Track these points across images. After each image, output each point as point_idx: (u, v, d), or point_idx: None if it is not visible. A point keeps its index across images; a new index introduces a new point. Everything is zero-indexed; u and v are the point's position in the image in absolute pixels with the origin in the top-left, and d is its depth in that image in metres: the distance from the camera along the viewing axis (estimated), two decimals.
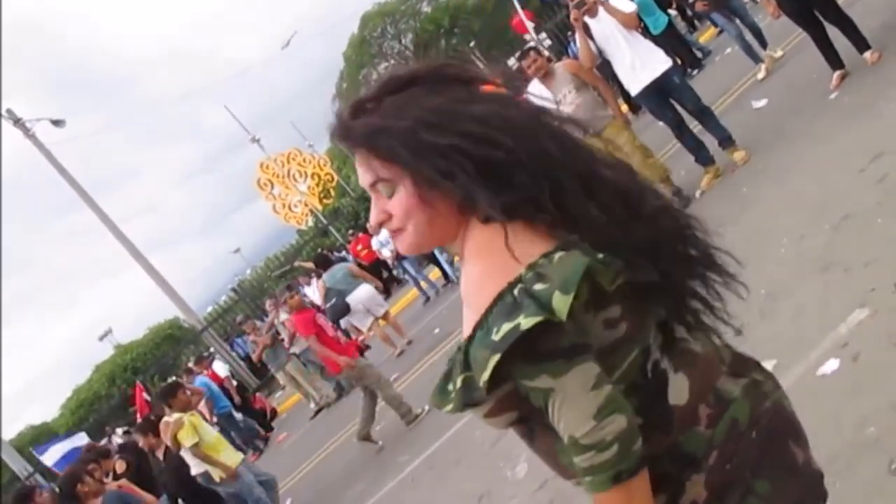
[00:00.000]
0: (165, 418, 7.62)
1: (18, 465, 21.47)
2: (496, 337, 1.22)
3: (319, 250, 23.11)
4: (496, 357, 1.21)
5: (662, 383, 1.33)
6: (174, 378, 17.34)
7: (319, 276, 13.31)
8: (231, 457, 7.53)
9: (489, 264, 1.30)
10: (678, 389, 1.33)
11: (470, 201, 1.32)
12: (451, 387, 1.31)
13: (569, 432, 1.25)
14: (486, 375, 1.22)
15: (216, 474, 7.41)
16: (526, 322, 1.19)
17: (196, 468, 7.61)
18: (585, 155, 1.41)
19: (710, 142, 7.48)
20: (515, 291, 1.23)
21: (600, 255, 1.25)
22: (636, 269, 1.31)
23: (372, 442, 8.17)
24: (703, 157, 7.45)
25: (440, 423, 7.11)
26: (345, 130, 1.41)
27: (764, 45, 10.14)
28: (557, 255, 1.25)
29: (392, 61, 52.43)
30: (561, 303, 1.19)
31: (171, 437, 7.38)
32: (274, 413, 17.23)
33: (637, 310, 1.33)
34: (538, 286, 1.21)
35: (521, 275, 1.24)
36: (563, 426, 1.25)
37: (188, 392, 8.19)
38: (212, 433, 7.72)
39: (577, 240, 1.28)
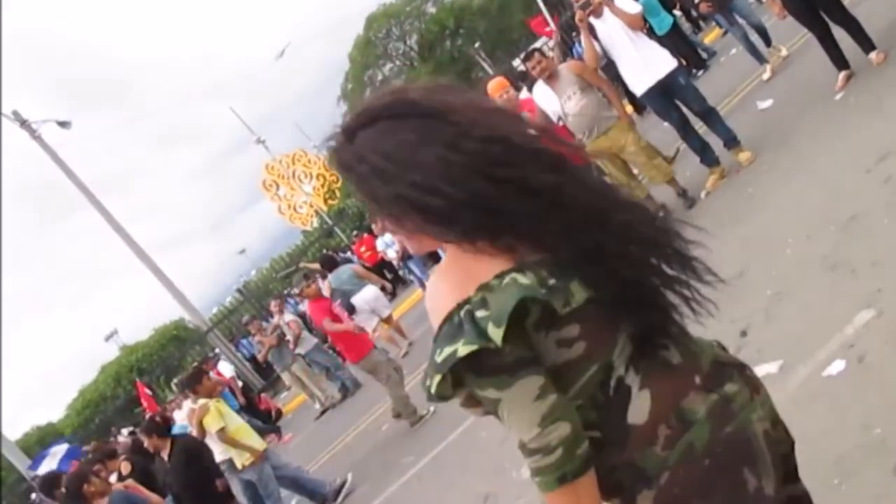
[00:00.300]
0: (190, 405, 7.71)
1: (24, 466, 21.50)
2: (438, 359, 1.35)
3: (325, 251, 23.15)
4: (438, 377, 1.34)
5: (624, 401, 1.40)
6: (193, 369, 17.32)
7: (325, 277, 13.32)
8: (257, 441, 7.65)
9: (446, 282, 1.40)
10: (639, 408, 1.39)
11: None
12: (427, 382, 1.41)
13: (517, 437, 1.36)
14: (433, 389, 1.36)
15: (240, 461, 7.47)
16: (463, 350, 1.31)
17: (220, 455, 7.71)
18: (544, 177, 1.39)
19: (716, 143, 7.47)
20: (462, 313, 1.33)
21: (551, 281, 1.34)
22: (601, 286, 1.38)
23: (418, 417, 8.06)
24: (708, 158, 7.44)
25: (445, 424, 7.11)
26: (331, 158, 1.49)
27: (768, 43, 10.13)
28: (507, 279, 1.33)
29: (397, 62, 52.47)
30: (495, 333, 1.29)
31: (196, 422, 7.47)
32: (279, 413, 17.25)
33: (600, 328, 1.40)
34: (480, 312, 1.31)
35: (470, 297, 1.34)
36: (512, 432, 1.37)
37: (212, 379, 8.30)
38: (237, 419, 7.80)
39: (535, 262, 1.36)
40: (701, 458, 1.37)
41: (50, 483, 7.83)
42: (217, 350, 21.82)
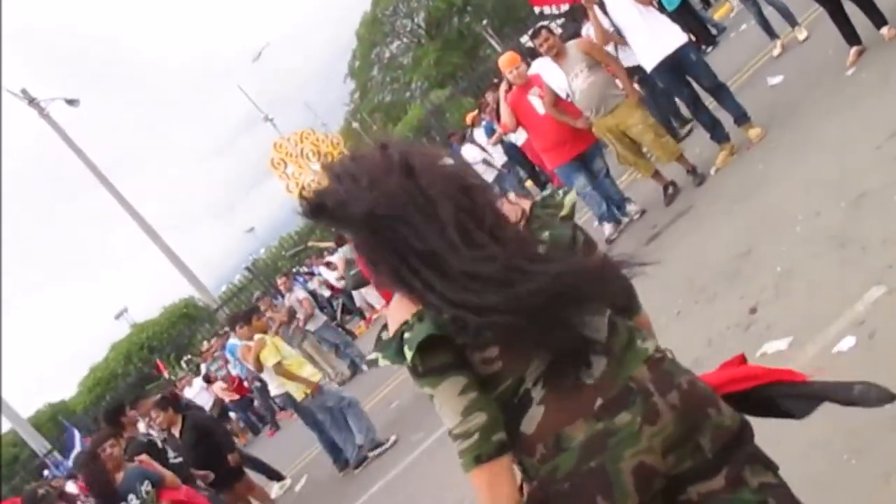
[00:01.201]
0: (245, 342, 7.84)
1: (37, 444, 21.70)
2: (381, 363, 1.77)
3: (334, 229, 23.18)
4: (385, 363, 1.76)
5: (522, 409, 1.68)
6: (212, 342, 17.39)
7: (340, 246, 13.41)
8: (312, 373, 7.76)
9: (393, 312, 1.75)
10: (531, 420, 1.67)
11: None
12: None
13: (446, 426, 1.67)
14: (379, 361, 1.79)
15: (299, 393, 7.55)
16: (382, 362, 1.76)
17: (276, 389, 7.91)
18: (439, 240, 1.63)
19: (726, 119, 7.43)
20: (402, 334, 1.69)
21: (445, 319, 1.64)
22: (497, 327, 1.63)
23: None
24: (718, 135, 7.40)
25: None
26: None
27: (792, 23, 10.00)
28: (418, 320, 1.67)
29: (405, 39, 52.21)
30: (408, 354, 1.66)
31: (253, 357, 7.58)
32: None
33: (516, 351, 1.67)
34: (407, 335, 1.67)
35: (407, 320, 1.69)
36: (444, 421, 1.67)
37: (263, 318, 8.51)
38: (292, 352, 7.89)
39: (425, 312, 1.66)
40: (561, 481, 1.64)
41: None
42: (227, 328, 21.90)
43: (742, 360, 2.00)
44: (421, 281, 1.65)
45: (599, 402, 1.64)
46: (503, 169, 16.30)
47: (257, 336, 7.88)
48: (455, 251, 1.63)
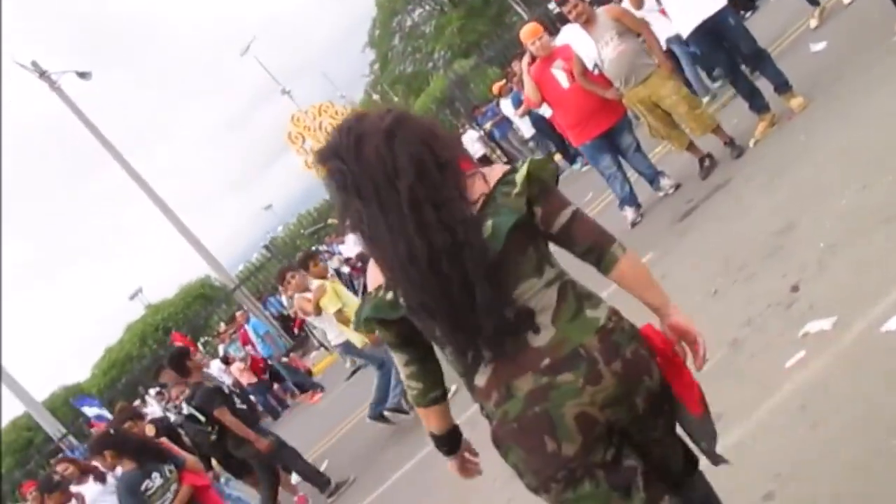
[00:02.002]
0: (301, 295, 7.92)
1: (52, 427, 22.00)
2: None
3: None
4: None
5: (475, 367, 2.12)
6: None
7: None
8: None
9: (369, 273, 2.23)
10: (482, 376, 2.12)
11: None
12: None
13: None
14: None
15: (359, 341, 7.61)
16: (355, 322, 2.33)
17: (336, 338, 8.02)
18: (390, 214, 1.99)
19: (766, 87, 7.35)
20: (367, 295, 2.21)
21: (389, 299, 2.12)
22: (429, 310, 2.05)
23: None
24: (757, 104, 7.33)
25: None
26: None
27: None
28: (379, 293, 2.15)
29: (427, 7, 51.95)
30: (357, 324, 2.29)
31: (314, 304, 7.65)
32: (309, 374, 17.49)
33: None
34: (363, 307, 2.23)
35: (370, 291, 2.19)
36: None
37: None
38: (354, 299, 7.96)
39: (382, 288, 2.15)
40: (511, 422, 2.08)
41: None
42: (244, 308, 22.07)
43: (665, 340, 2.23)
44: (372, 247, 2.08)
45: (546, 361, 2.05)
46: (531, 141, 16.25)
47: (318, 282, 7.91)
48: (402, 229, 1.98)
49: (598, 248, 2.13)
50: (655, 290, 2.21)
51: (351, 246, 17.12)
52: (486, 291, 1.99)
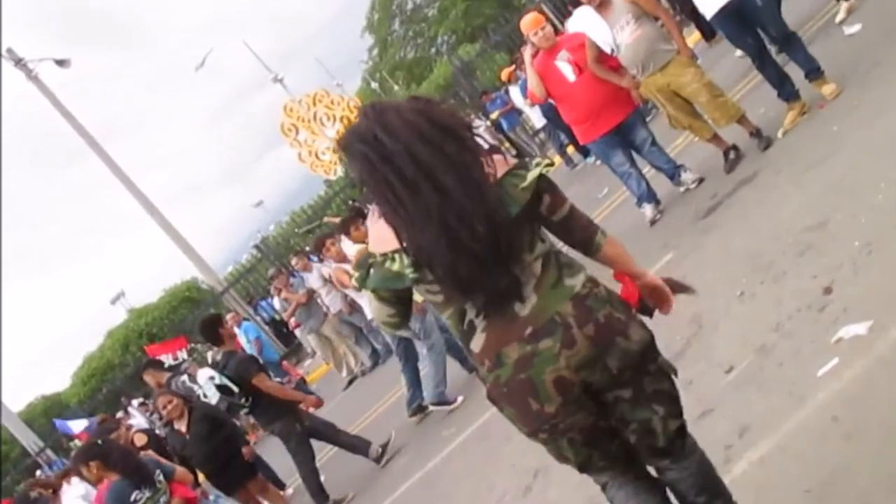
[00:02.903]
0: (339, 266, 7.89)
1: (28, 440, 22.02)
2: (357, 273, 2.79)
3: (351, 202, 23.18)
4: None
5: (471, 334, 2.58)
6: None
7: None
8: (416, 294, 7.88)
9: (379, 231, 2.54)
10: (477, 342, 2.58)
11: None
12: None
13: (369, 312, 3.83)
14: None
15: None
16: (360, 283, 2.73)
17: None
18: (417, 189, 2.36)
19: (796, 73, 7.33)
20: (370, 268, 2.66)
21: (408, 270, 2.51)
22: (437, 272, 2.45)
23: None
24: (786, 92, 7.31)
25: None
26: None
27: None
28: (387, 262, 2.56)
29: None
30: (361, 283, 2.72)
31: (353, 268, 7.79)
32: (303, 383, 17.48)
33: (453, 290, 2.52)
34: (372, 272, 2.65)
35: (376, 258, 2.61)
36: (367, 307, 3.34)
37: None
38: None
39: (394, 254, 2.53)
40: (502, 385, 2.57)
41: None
42: (235, 311, 22.07)
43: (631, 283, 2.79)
44: (395, 213, 2.41)
45: (529, 329, 2.50)
46: (542, 132, 16.23)
47: (359, 246, 8.02)
48: (422, 195, 2.35)
49: (587, 239, 2.71)
50: (630, 263, 2.82)
51: (351, 244, 17.07)
52: (493, 256, 2.41)
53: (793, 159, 6.51)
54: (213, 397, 7.81)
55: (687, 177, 7.98)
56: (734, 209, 6.65)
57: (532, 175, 2.51)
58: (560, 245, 2.69)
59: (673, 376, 2.69)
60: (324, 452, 10.36)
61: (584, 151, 14.50)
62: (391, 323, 2.82)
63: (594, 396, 2.57)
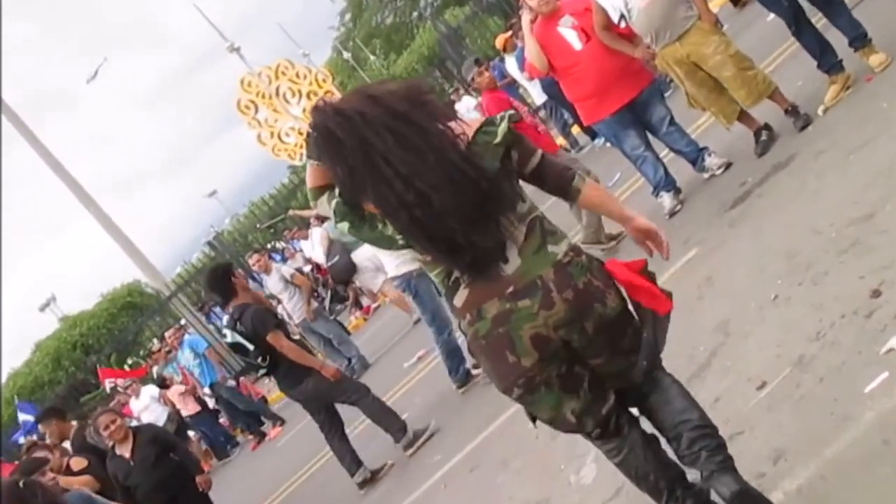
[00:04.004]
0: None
1: None
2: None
3: None
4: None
5: (455, 290, 3.17)
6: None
7: (322, 222, 13.45)
8: None
9: None
10: (460, 297, 3.17)
11: None
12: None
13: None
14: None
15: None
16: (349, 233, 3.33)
17: (395, 269, 8.42)
18: (387, 162, 2.92)
19: (839, 41, 7.34)
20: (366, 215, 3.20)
21: (389, 231, 3.12)
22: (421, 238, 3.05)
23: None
24: (827, 62, 7.32)
25: (481, 415, 7.16)
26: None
27: None
28: (376, 219, 3.13)
29: None
30: (335, 222, 3.30)
31: None
32: (264, 403, 17.46)
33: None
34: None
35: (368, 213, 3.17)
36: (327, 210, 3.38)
37: None
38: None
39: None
40: (481, 339, 3.15)
41: None
42: (183, 321, 22.02)
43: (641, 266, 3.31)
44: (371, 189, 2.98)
45: (511, 288, 3.08)
46: (543, 110, 16.23)
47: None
48: (407, 169, 2.90)
49: (565, 185, 3.32)
50: (615, 205, 3.56)
51: (317, 241, 17.06)
52: (476, 218, 2.98)
53: (835, 141, 6.52)
54: (161, 417, 7.75)
55: (712, 161, 7.98)
56: (767, 199, 6.65)
57: (502, 129, 3.11)
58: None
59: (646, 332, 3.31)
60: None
61: (592, 132, 14.50)
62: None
63: (570, 350, 3.16)
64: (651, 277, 3.30)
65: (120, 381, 17.95)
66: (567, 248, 3.16)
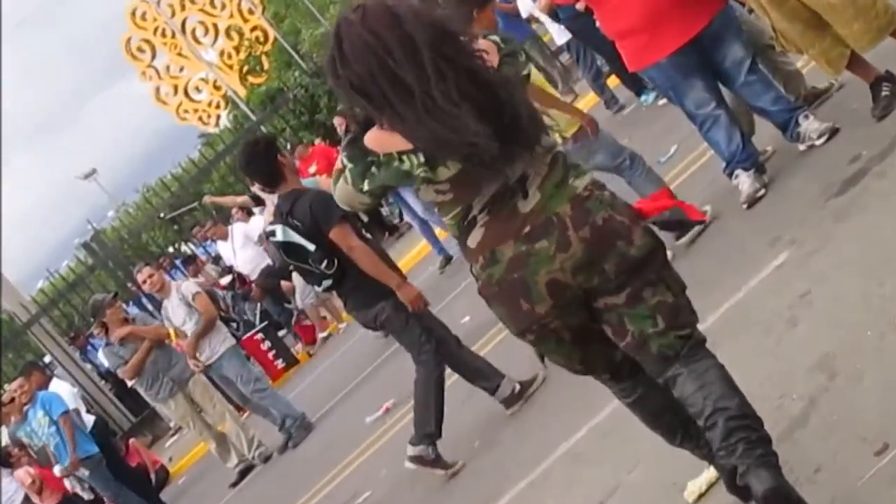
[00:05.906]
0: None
1: None
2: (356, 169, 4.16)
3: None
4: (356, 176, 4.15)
5: (470, 229, 3.99)
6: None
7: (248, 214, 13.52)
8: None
9: (380, 136, 3.91)
10: (474, 238, 3.99)
11: None
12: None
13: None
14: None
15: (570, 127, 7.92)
16: (353, 180, 4.15)
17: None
18: (418, 80, 3.64)
19: None
20: (373, 161, 3.98)
21: (419, 170, 3.87)
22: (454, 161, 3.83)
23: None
24: None
25: (479, 428, 7.19)
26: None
27: None
28: (394, 162, 3.89)
29: None
30: (364, 186, 4.05)
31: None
32: (164, 475, 17.45)
33: (465, 187, 3.89)
34: (373, 170, 3.98)
35: (379, 157, 3.94)
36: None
37: None
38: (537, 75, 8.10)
39: (414, 150, 3.85)
40: (494, 284, 3.97)
41: None
42: (48, 357, 21.97)
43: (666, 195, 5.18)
44: (400, 110, 3.71)
45: (527, 229, 3.86)
46: (565, 52, 16.25)
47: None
48: (429, 88, 3.62)
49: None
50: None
51: (240, 242, 16.98)
52: (514, 139, 3.77)
53: None
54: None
55: (810, 126, 7.94)
56: (888, 181, 6.65)
57: (522, 60, 4.22)
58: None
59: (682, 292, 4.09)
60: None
61: (637, 84, 14.47)
62: (368, 204, 4.28)
63: (589, 301, 3.98)
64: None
65: None
66: (589, 181, 3.96)
